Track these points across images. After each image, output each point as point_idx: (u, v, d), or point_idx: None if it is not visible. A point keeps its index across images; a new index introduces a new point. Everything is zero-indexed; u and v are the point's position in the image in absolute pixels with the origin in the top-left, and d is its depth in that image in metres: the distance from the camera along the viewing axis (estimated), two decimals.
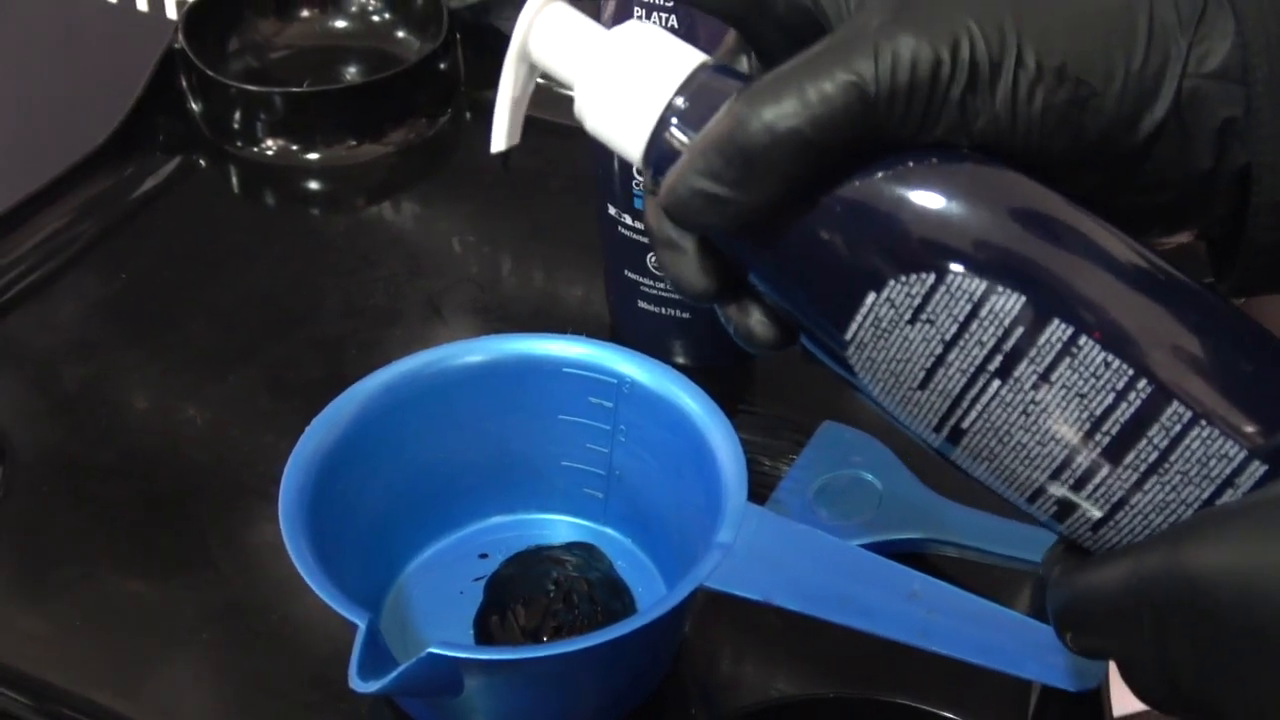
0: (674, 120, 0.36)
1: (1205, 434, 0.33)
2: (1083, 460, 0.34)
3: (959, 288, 0.33)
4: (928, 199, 0.34)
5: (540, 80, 0.92)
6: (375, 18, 0.91)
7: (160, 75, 0.83)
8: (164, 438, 0.66)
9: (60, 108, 1.29)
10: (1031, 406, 0.34)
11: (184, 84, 0.84)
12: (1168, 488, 0.33)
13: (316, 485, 0.51)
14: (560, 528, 0.59)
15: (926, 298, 0.34)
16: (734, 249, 0.37)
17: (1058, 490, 0.34)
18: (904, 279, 0.34)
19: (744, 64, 0.39)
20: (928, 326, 0.34)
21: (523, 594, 0.55)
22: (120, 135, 0.81)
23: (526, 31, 0.38)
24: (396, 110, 0.85)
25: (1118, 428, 0.33)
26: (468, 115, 0.87)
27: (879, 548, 0.55)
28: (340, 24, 0.91)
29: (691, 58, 0.37)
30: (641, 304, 0.67)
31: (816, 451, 0.61)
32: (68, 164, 0.79)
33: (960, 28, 0.33)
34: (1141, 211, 0.37)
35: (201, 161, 0.83)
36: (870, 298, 0.34)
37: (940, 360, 0.34)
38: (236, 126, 0.83)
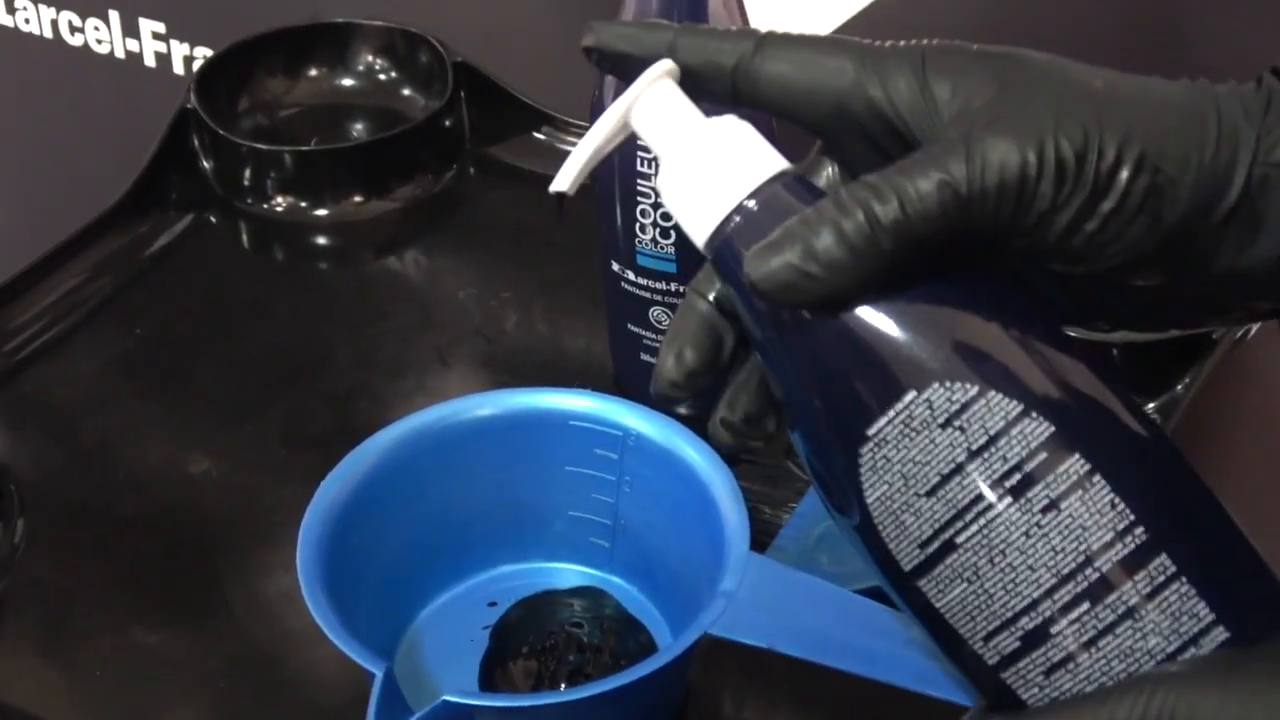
0: (738, 219, 0.38)
1: (1184, 590, 0.35)
2: (1067, 592, 0.35)
3: (998, 404, 0.35)
4: (988, 318, 0.36)
5: (541, 136, 0.94)
6: (381, 76, 0.93)
7: (173, 134, 0.85)
8: (180, 489, 0.68)
9: (74, 166, 1.32)
10: (1034, 529, 0.35)
11: (196, 143, 0.86)
12: (1138, 635, 0.35)
13: (333, 537, 0.53)
14: (567, 576, 0.61)
15: (965, 406, 0.36)
16: (775, 323, 0.38)
17: (1031, 623, 0.36)
18: (949, 384, 0.36)
19: (827, 174, 0.42)
20: (958, 434, 0.36)
21: (528, 638, 0.57)
22: (134, 193, 0.83)
23: (634, 99, 0.40)
24: (403, 167, 0.87)
25: (1108, 566, 0.35)
26: (472, 170, 0.89)
27: (877, 594, 0.57)
28: (347, 82, 0.93)
29: (775, 163, 0.39)
30: (644, 356, 0.68)
31: (816, 500, 0.62)
32: (83, 222, 0.81)
33: (1046, 129, 0.36)
34: (1221, 299, 0.40)
35: (213, 218, 0.85)
36: (910, 395, 0.36)
37: (959, 468, 0.36)
38: (247, 184, 0.85)
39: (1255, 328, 0.74)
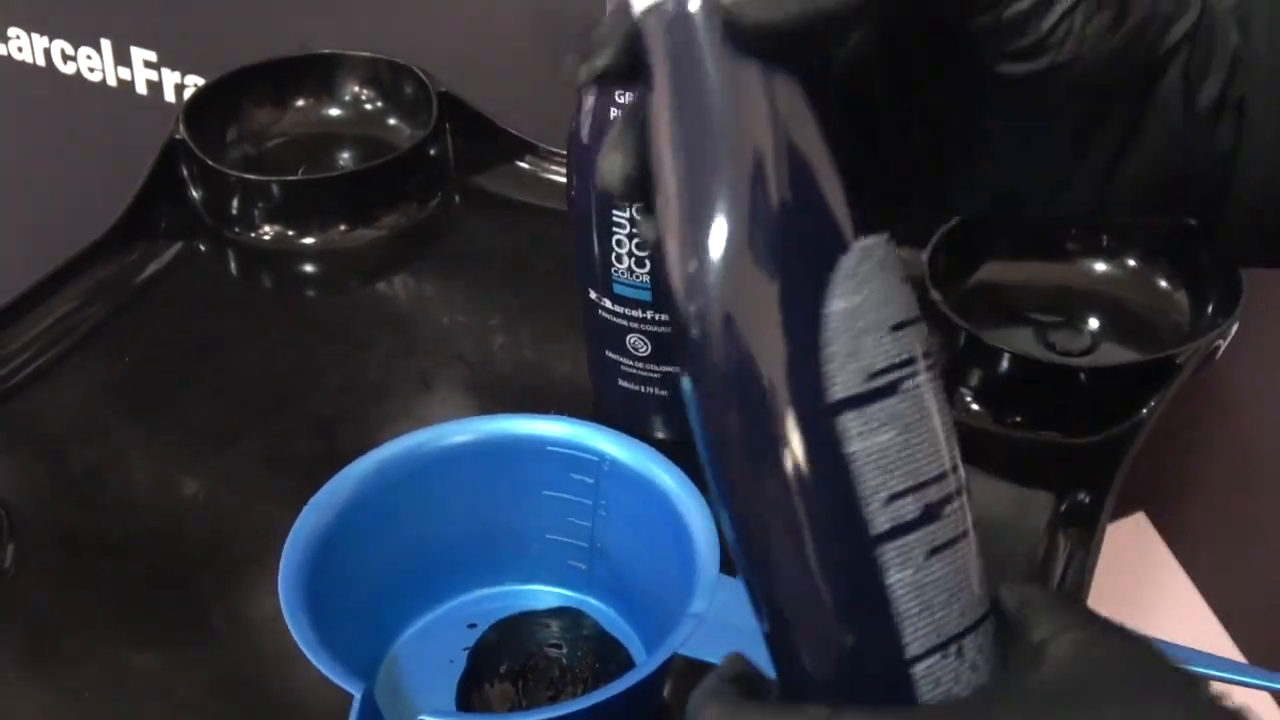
0: None
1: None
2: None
3: None
4: None
5: (524, 165, 0.95)
6: (368, 106, 0.95)
7: (162, 165, 0.87)
8: (167, 513, 0.69)
9: (66, 192, 1.33)
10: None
11: (185, 173, 0.88)
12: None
13: (314, 561, 0.54)
14: (545, 598, 0.62)
15: None
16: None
17: (939, 493, 0.36)
18: None
19: None
20: None
21: (505, 659, 0.59)
22: (124, 223, 0.85)
23: None
24: (388, 195, 0.88)
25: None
26: (457, 199, 0.91)
27: None
28: (334, 112, 0.95)
29: None
30: (622, 382, 0.70)
31: None
32: (74, 251, 0.83)
33: None
34: (1160, 154, 0.41)
35: (201, 247, 0.87)
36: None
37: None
38: (235, 213, 0.87)
39: (1222, 348, 0.76)
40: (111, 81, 1.27)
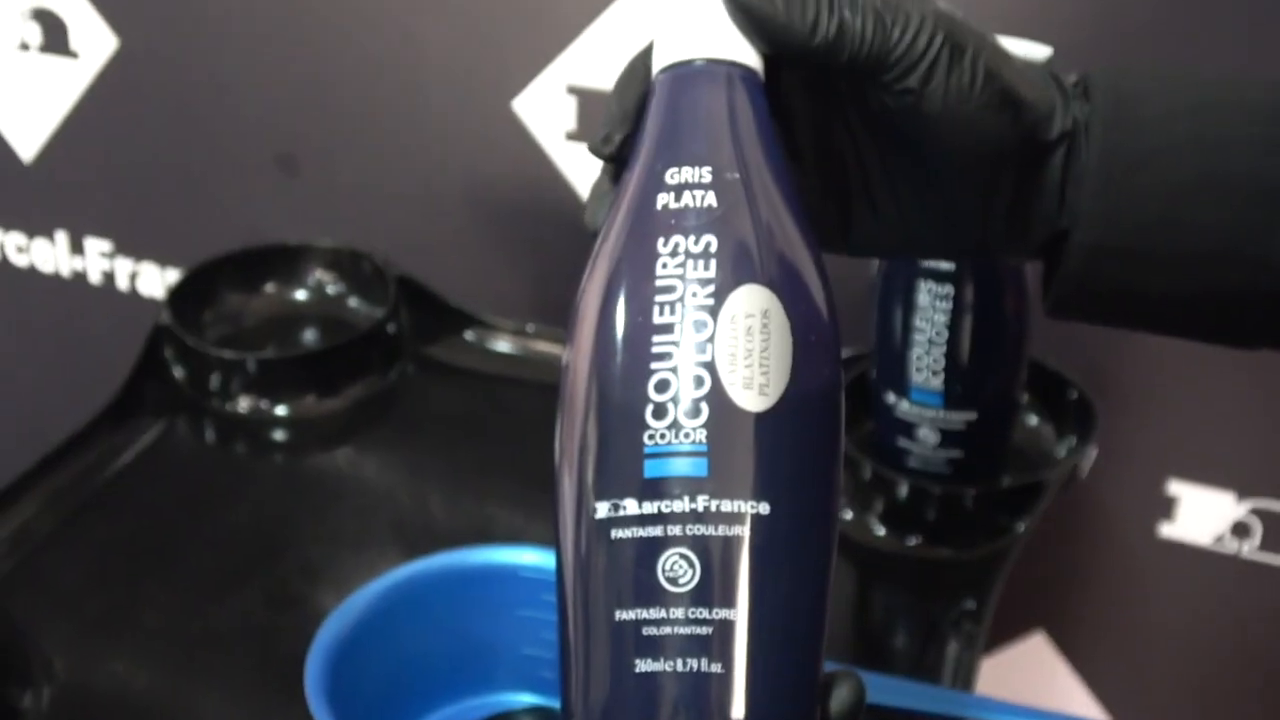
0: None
1: None
2: None
3: None
4: None
5: (470, 337, 1.05)
6: (329, 289, 1.06)
7: (149, 348, 0.97)
8: (180, 652, 0.78)
9: (59, 382, 1.40)
10: None
11: (167, 354, 0.98)
12: None
13: (330, 673, 0.64)
14: (523, 701, 0.72)
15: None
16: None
17: None
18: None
19: None
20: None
21: None
22: (119, 399, 0.95)
23: None
24: (351, 369, 0.99)
25: None
26: (411, 369, 1.02)
27: None
28: (300, 295, 1.06)
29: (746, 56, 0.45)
30: None
31: None
32: (75, 428, 0.92)
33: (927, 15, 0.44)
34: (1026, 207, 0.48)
35: (184, 419, 0.97)
36: None
37: None
38: (214, 388, 0.97)
39: (1084, 471, 0.88)
40: (65, 273, 1.35)
